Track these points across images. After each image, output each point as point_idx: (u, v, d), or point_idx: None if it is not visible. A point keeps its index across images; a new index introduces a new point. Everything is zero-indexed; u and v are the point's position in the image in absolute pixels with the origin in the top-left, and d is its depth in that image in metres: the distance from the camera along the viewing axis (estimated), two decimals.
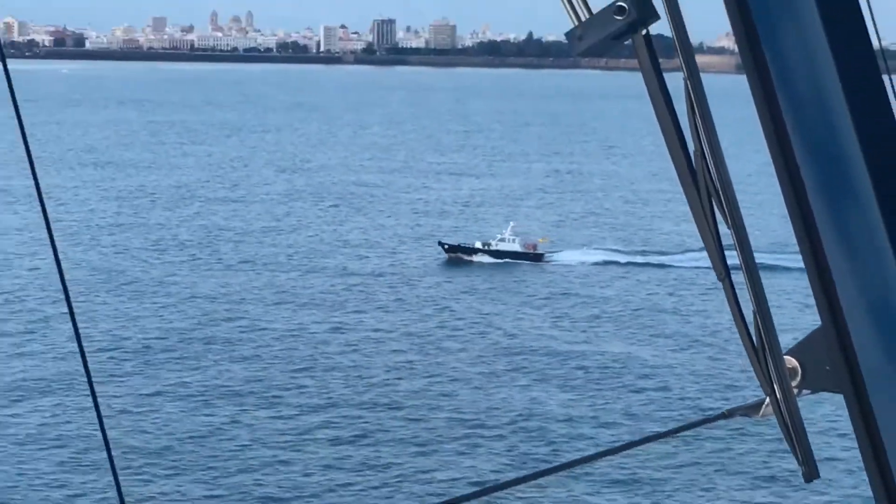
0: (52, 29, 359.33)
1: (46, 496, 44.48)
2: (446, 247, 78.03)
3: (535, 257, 77.07)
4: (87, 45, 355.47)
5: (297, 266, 78.27)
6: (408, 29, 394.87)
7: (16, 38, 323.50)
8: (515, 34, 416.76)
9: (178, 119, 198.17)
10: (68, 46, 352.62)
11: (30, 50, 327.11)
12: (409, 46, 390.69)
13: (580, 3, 3.47)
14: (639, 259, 78.80)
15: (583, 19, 3.51)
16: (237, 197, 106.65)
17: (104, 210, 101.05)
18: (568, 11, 3.58)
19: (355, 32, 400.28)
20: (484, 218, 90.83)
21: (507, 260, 76.09)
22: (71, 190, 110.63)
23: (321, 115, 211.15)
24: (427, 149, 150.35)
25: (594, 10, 3.46)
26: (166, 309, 67.62)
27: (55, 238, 4.12)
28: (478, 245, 77.91)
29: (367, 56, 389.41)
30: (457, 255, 77.16)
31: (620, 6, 3.37)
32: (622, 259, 78.44)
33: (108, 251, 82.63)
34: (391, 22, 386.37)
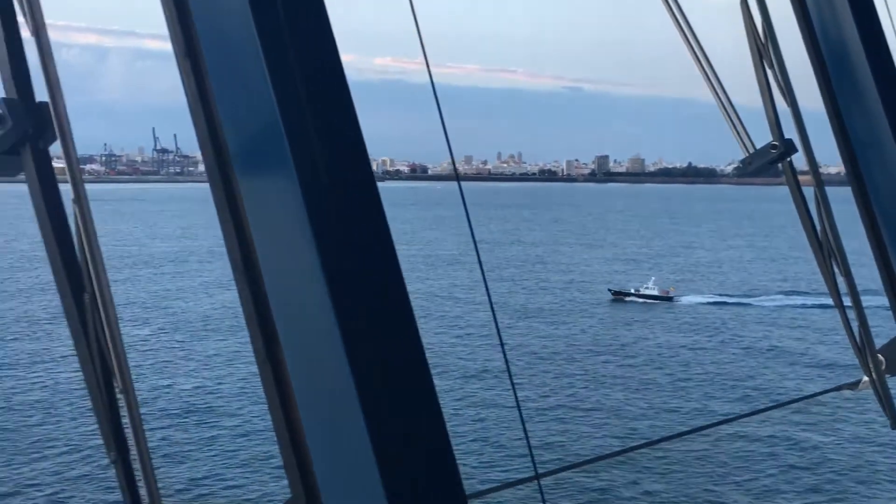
0: (408, 163, 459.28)
1: None
2: (612, 291, 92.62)
3: (668, 299, 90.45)
4: (429, 171, 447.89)
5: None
6: (615, 161, 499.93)
7: (388, 168, 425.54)
8: (679, 162, 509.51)
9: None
10: (418, 173, 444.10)
11: (396, 175, 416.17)
12: (615, 171, 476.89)
13: (749, 142, 4.70)
14: (738, 300, 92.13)
15: (750, 152, 4.76)
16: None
17: None
18: (743, 146, 4.78)
19: (584, 163, 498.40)
20: (637, 272, 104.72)
21: (649, 301, 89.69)
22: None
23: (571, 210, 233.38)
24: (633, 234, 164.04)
25: (757, 146, 4.74)
26: None
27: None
28: (632, 290, 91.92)
29: (591, 177, 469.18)
30: (619, 297, 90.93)
31: (774, 144, 4.64)
32: (727, 300, 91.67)
33: None
34: (605, 157, 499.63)
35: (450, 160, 4.19)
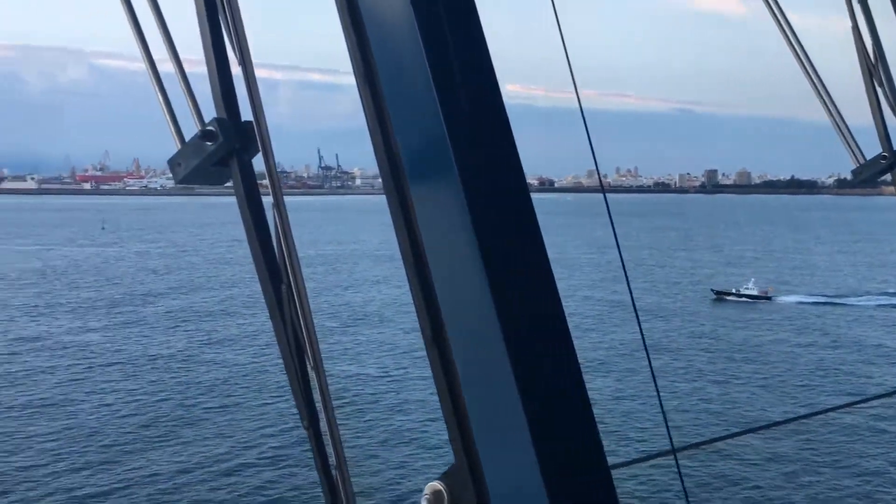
0: (537, 177, 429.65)
1: None
2: (715, 291, 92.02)
3: (766, 299, 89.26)
4: (556, 184, 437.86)
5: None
6: (723, 174, 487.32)
7: None
8: (783, 175, 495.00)
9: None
10: (546, 185, 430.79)
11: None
12: (724, 184, 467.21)
13: (860, 153, 4.22)
14: (830, 300, 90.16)
15: (860, 163, 4.35)
16: None
17: None
18: (854, 158, 4.30)
19: (695, 176, 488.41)
20: (741, 275, 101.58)
21: (749, 300, 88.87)
22: None
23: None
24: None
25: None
26: None
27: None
28: (733, 290, 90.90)
29: (701, 189, 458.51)
30: (721, 297, 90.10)
31: (883, 155, 4.30)
32: (821, 300, 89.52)
33: None
34: (714, 170, 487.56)
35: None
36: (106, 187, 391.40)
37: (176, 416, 46.59)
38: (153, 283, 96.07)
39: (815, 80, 4.42)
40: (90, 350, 61.73)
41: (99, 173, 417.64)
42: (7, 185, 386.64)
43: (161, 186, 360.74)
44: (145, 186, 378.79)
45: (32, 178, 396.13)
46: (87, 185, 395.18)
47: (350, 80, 2.29)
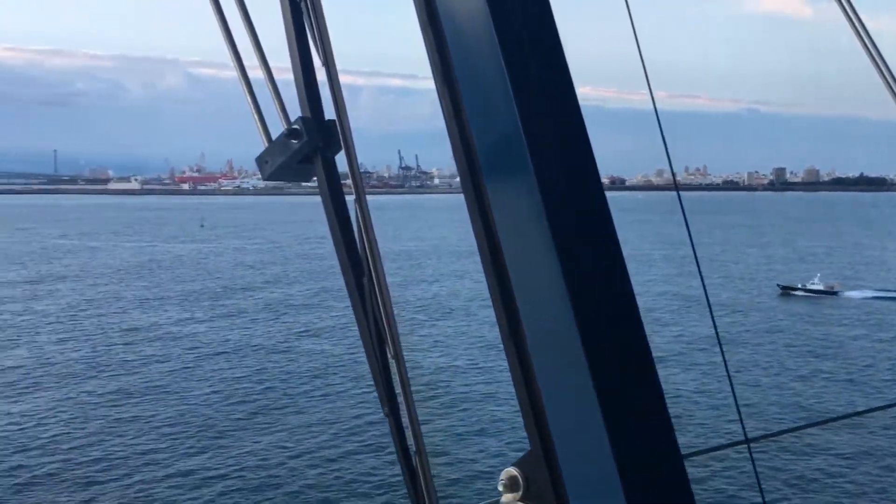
0: (608, 176, 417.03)
1: None
2: (781, 286, 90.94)
3: (833, 294, 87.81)
4: (626, 182, 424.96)
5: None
6: (791, 172, 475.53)
7: None
8: (852, 172, 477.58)
9: None
10: (617, 184, 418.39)
11: None
12: (792, 181, 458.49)
13: None
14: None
15: None
16: None
17: None
18: None
19: (763, 174, 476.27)
20: (809, 270, 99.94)
21: (815, 295, 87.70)
22: None
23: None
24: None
25: None
26: None
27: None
28: (799, 286, 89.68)
29: (770, 187, 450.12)
30: (787, 291, 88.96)
31: None
32: (884, 295, 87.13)
33: None
34: (782, 168, 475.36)
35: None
36: (202, 187, 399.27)
37: (281, 405, 47.45)
38: (251, 277, 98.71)
39: (890, 80, 4.24)
40: (197, 339, 63.70)
41: (196, 174, 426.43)
42: (113, 185, 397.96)
43: (253, 186, 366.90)
44: (238, 186, 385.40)
45: (136, 179, 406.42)
46: (185, 186, 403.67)
47: (428, 83, 2.29)
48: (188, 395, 49.02)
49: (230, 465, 38.04)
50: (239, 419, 44.66)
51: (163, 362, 56.66)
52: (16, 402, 47.20)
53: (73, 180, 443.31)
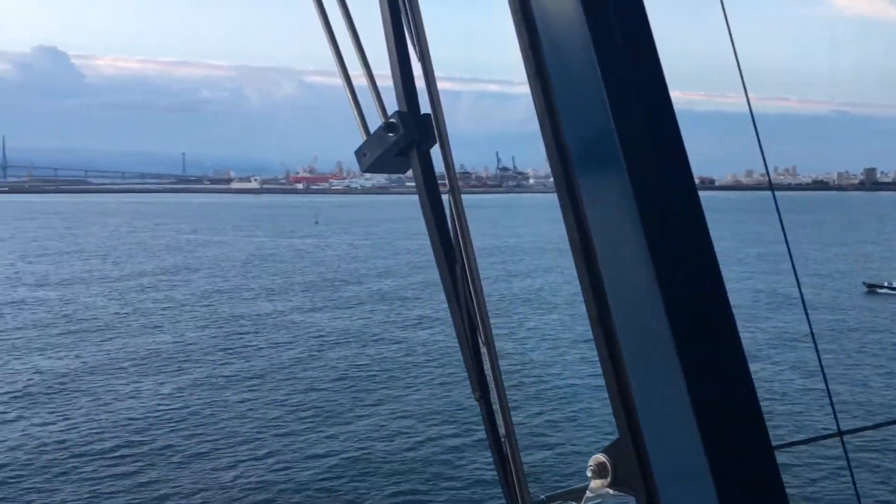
0: (698, 176, 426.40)
1: None
2: (866, 284, 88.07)
3: None
4: (716, 182, 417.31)
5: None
6: (881, 172, 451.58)
7: None
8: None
9: None
10: (706, 184, 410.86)
11: None
12: (883, 182, 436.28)
13: None
14: None
15: None
16: None
17: None
18: None
19: (853, 174, 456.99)
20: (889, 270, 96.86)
21: None
22: None
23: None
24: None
25: None
26: None
27: None
28: (885, 283, 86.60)
29: (860, 187, 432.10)
30: (872, 289, 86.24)
31: None
32: None
33: None
34: (873, 169, 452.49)
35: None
36: (314, 187, 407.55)
37: (398, 388, 47.83)
38: (365, 270, 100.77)
39: None
40: (319, 326, 65.34)
41: (309, 175, 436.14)
42: (235, 185, 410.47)
43: (360, 186, 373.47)
44: (347, 186, 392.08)
45: (255, 179, 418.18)
46: (299, 186, 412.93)
47: (523, 88, 2.18)
48: (311, 379, 50.27)
49: (339, 448, 38.58)
50: (367, 404, 45.23)
51: (288, 348, 58.40)
52: (163, 383, 49.53)
53: (199, 180, 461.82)
